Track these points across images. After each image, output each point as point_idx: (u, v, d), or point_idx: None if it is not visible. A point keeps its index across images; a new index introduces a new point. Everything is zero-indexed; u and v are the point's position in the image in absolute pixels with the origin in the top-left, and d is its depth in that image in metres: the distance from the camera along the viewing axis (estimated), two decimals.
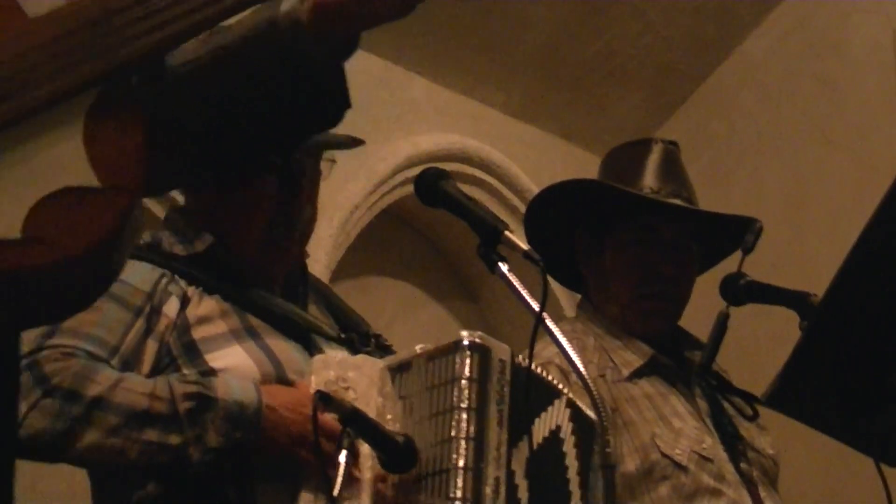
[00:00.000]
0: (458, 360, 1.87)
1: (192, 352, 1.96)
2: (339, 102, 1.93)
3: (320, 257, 4.16)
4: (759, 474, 2.56)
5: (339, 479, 1.73)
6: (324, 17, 1.78)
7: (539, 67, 4.92)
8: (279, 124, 1.96)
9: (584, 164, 4.63)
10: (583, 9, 4.78)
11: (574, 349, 1.84)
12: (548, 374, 2.08)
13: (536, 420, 1.96)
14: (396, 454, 1.83)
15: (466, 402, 1.85)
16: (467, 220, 1.96)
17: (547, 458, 1.97)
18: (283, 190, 2.09)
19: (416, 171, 3.34)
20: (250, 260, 2.08)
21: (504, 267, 1.89)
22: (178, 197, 2.48)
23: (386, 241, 4.85)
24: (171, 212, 2.19)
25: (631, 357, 2.61)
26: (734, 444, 2.55)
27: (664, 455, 2.46)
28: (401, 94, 4.70)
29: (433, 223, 4.86)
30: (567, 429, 2.02)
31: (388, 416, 1.90)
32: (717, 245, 2.74)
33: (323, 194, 2.22)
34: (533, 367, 1.90)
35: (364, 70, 4.51)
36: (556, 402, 2.01)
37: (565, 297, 4.42)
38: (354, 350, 2.08)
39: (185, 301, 1.99)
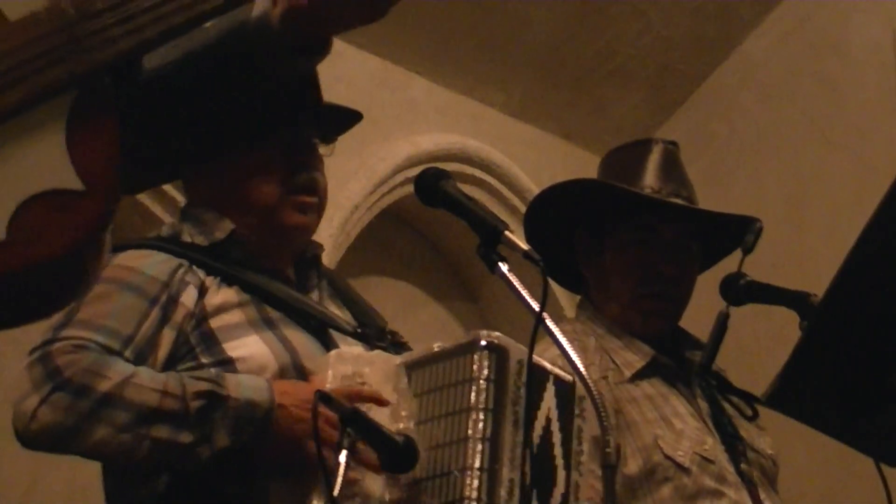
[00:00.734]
0: (475, 359, 1.88)
1: (210, 340, 1.96)
2: (312, 100, 1.97)
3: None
4: (759, 475, 2.55)
5: (339, 480, 1.73)
6: (293, 20, 1.79)
7: (539, 67, 4.91)
8: (252, 115, 2.00)
9: (584, 164, 4.63)
10: (583, 9, 4.78)
11: (575, 350, 1.83)
12: None
13: (538, 413, 1.95)
14: (396, 454, 1.83)
15: (483, 402, 1.85)
16: (467, 220, 1.96)
17: (543, 445, 1.96)
18: (290, 153, 2.10)
19: (416, 171, 3.34)
20: (268, 236, 2.09)
21: (504, 267, 1.89)
22: (177, 196, 2.48)
23: (386, 241, 4.85)
24: (186, 206, 2.20)
25: (632, 357, 2.60)
26: (734, 445, 2.55)
27: (667, 457, 2.46)
28: (401, 94, 4.70)
29: (433, 223, 4.86)
30: (554, 412, 2.00)
31: (403, 413, 1.90)
32: (718, 245, 2.74)
33: None
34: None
35: (364, 70, 4.51)
36: (548, 385, 2.00)
37: (565, 298, 4.42)
38: (370, 345, 2.09)
39: (202, 291, 2.00)
